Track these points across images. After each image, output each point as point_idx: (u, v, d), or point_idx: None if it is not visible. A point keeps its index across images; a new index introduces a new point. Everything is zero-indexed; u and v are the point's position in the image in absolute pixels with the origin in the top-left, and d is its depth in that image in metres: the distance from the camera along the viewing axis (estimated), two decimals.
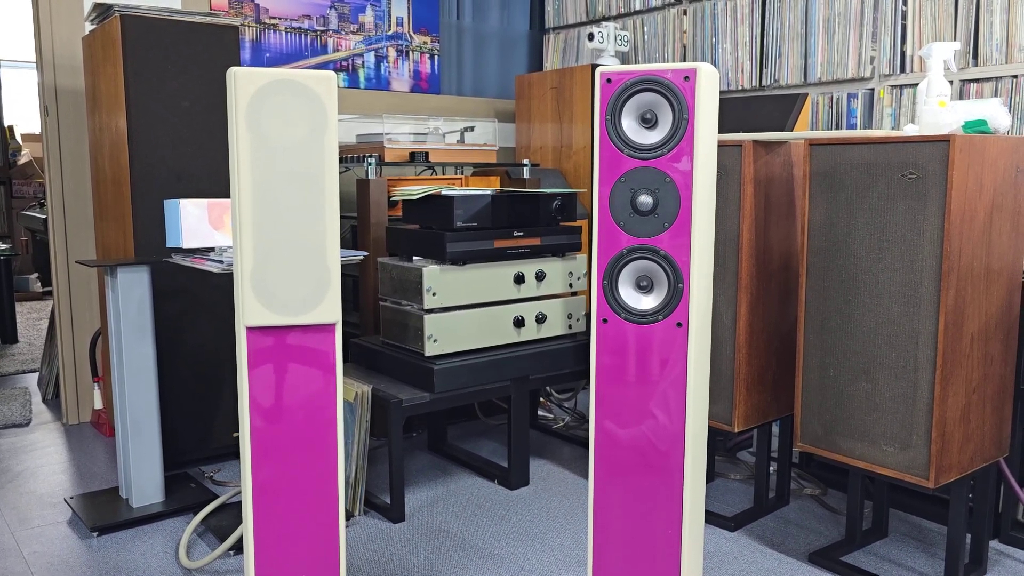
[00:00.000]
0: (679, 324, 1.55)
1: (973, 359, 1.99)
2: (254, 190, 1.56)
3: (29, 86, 8.06)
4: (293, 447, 1.66)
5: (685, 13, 3.74)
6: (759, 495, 2.52)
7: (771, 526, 2.44)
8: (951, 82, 2.84)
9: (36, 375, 4.20)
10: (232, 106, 1.54)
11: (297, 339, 1.63)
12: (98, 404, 3.27)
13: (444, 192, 2.56)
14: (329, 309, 1.63)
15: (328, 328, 1.65)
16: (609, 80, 1.54)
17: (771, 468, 2.78)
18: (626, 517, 1.64)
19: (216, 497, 2.53)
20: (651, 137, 1.54)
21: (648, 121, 1.53)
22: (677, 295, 1.54)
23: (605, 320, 1.60)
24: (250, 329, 1.60)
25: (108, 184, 2.91)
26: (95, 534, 2.36)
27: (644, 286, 1.57)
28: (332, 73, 1.59)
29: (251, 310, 1.59)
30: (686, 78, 1.49)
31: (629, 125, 1.55)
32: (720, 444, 3.07)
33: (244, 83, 1.53)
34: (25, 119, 8.02)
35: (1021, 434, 2.28)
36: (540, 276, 2.72)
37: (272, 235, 1.58)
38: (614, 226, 1.58)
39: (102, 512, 2.45)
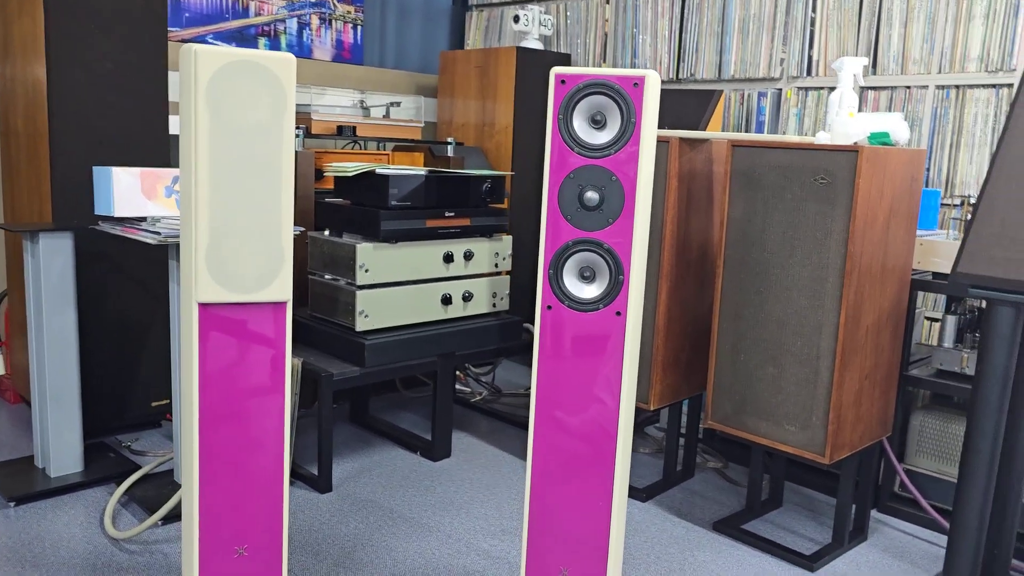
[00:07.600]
0: (618, 313, 1.67)
1: (867, 348, 2.21)
2: (211, 169, 1.58)
3: None
4: (240, 421, 1.69)
5: (608, 2, 3.85)
6: (668, 468, 2.70)
7: (679, 497, 2.63)
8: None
9: None
10: (191, 84, 1.54)
11: (249, 316, 1.67)
12: (1, 370, 3.16)
13: (379, 171, 2.59)
14: (282, 287, 1.67)
15: (280, 306, 1.69)
16: (563, 81, 1.63)
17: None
18: (561, 491, 1.75)
19: (136, 467, 2.52)
20: (600, 137, 1.64)
21: (598, 122, 1.63)
22: (618, 286, 1.66)
23: (549, 307, 1.70)
24: (202, 305, 1.63)
25: (21, 139, 2.80)
26: (12, 504, 2.32)
27: (587, 276, 1.68)
28: (291, 56, 1.62)
29: (204, 287, 1.61)
30: (635, 84, 1.60)
31: (580, 125, 1.64)
32: None
33: (205, 62, 1.54)
34: None
35: (902, 416, 2.53)
36: (468, 256, 2.80)
37: (228, 214, 1.60)
38: (561, 219, 1.67)
39: (17, 482, 2.40)
